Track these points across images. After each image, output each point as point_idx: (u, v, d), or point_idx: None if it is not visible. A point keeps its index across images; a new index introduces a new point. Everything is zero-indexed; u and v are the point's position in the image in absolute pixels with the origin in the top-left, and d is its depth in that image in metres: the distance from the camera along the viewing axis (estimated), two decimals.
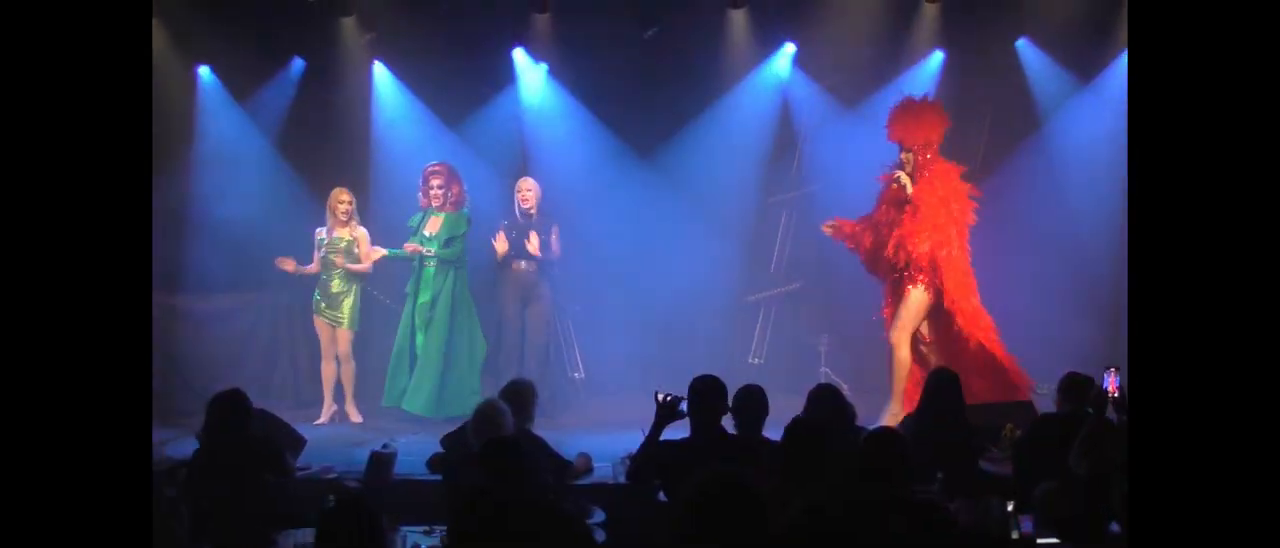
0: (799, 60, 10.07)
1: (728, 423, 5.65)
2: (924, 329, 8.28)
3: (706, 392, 5.54)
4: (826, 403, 5.74)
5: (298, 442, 6.85)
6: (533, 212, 9.07)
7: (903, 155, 8.07)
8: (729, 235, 10.12)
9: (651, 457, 5.50)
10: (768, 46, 10.02)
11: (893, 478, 4.13)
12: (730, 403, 5.64)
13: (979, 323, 8.09)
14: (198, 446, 5.79)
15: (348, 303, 9.07)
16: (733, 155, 10.11)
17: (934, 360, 8.07)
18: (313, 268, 9.07)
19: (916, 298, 8.04)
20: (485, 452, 4.63)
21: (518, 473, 4.46)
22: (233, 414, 5.70)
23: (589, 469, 6.70)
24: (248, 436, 5.75)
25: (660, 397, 5.57)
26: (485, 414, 5.81)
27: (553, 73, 10.12)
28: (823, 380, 7.71)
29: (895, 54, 10.00)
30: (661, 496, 5.49)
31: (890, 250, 8.03)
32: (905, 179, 7.97)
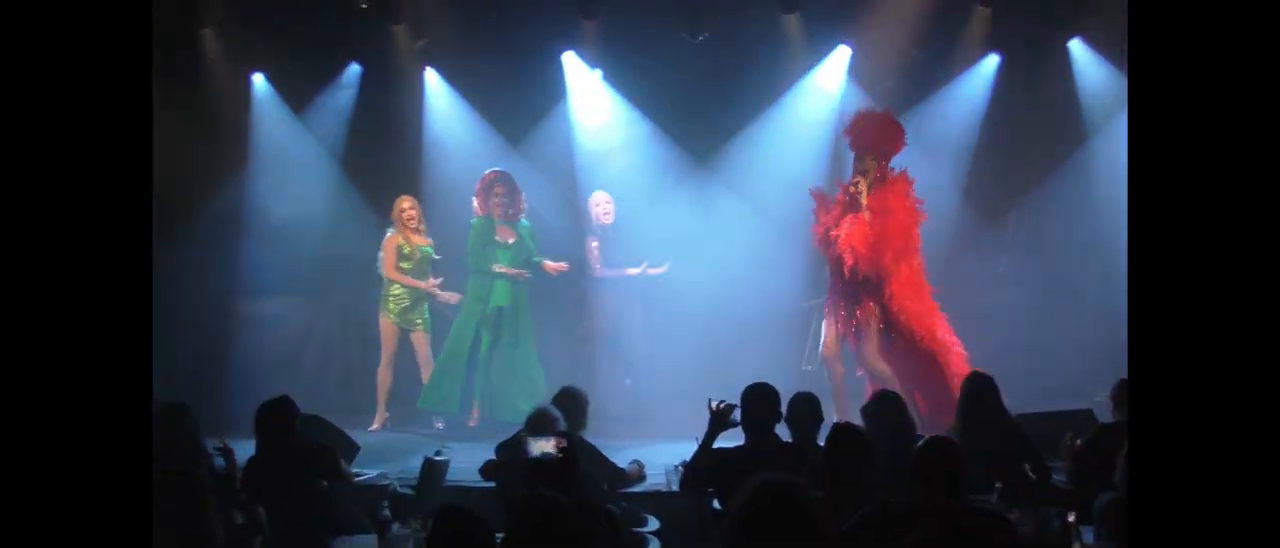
0: (852, 64, 10.03)
1: (782, 431, 5.66)
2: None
3: (759, 400, 5.56)
4: (886, 411, 5.73)
5: (351, 448, 6.93)
6: (611, 224, 9.22)
7: (868, 162, 8.04)
8: (784, 241, 10.08)
9: (705, 465, 5.53)
10: (821, 49, 9.99)
11: (950, 487, 4.13)
12: (784, 411, 5.66)
13: (934, 338, 8.05)
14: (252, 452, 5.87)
15: (423, 307, 9.19)
16: (787, 159, 10.09)
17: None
18: (422, 284, 9.16)
19: (872, 317, 8.03)
20: (546, 468, 4.67)
21: (572, 480, 4.50)
22: (281, 421, 5.77)
23: (642, 477, 6.72)
24: (296, 442, 5.81)
25: (713, 404, 5.60)
26: (539, 421, 5.86)
27: (605, 78, 10.16)
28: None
29: (948, 57, 9.96)
30: (715, 504, 5.51)
31: (842, 251, 7.98)
32: (863, 186, 7.96)
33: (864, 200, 7.90)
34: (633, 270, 9.26)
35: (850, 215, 7.97)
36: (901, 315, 7.98)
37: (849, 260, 7.93)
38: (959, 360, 7.96)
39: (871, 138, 8.08)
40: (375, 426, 9.15)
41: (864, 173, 8.01)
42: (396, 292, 9.13)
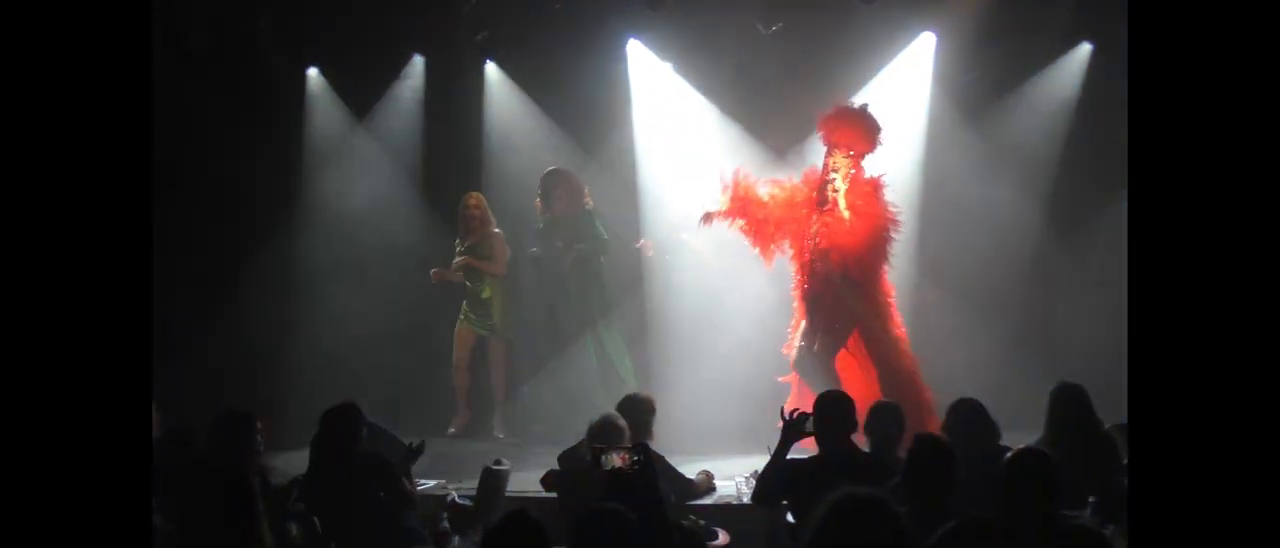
0: (937, 53, 9.83)
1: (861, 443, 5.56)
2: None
3: (834, 408, 5.48)
4: (969, 419, 5.61)
5: (410, 457, 6.92)
6: None
7: (839, 159, 7.92)
8: None
9: (779, 476, 5.44)
10: (903, 38, 9.81)
11: (1041, 501, 4.01)
12: (861, 420, 5.56)
13: (903, 340, 8.03)
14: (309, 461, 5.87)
15: (496, 310, 9.16)
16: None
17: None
18: (453, 276, 9.21)
19: (844, 320, 7.99)
20: (623, 481, 4.62)
21: (649, 494, 4.45)
22: (345, 429, 5.75)
23: (712, 488, 6.67)
24: (360, 450, 5.80)
25: (787, 413, 5.51)
26: (602, 430, 5.80)
27: (674, 70, 10.07)
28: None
29: (1039, 45, 9.74)
30: (789, 517, 5.43)
31: (827, 251, 7.88)
32: (841, 185, 7.84)
33: (844, 201, 7.78)
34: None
35: (827, 215, 7.85)
36: (884, 319, 7.92)
37: (836, 260, 7.82)
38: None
39: (846, 134, 7.98)
40: (452, 429, 9.17)
41: (836, 170, 7.89)
42: (476, 296, 9.12)
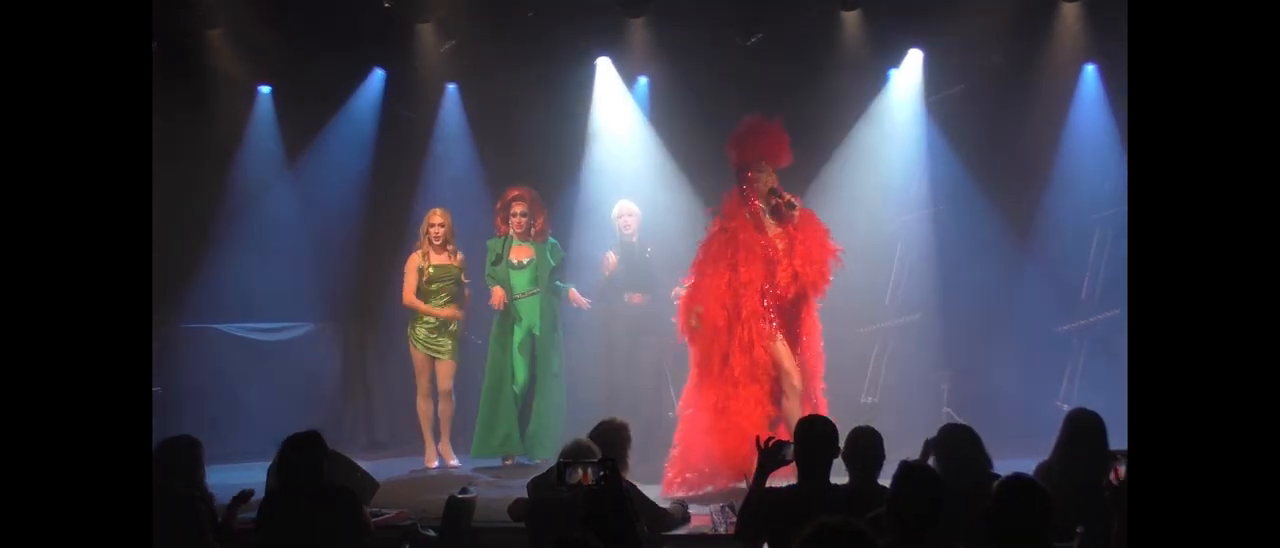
0: (925, 69, 9.92)
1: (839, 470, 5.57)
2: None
3: (813, 435, 5.47)
4: (959, 446, 5.62)
5: (369, 486, 6.91)
6: (634, 239, 9.14)
7: (767, 172, 7.98)
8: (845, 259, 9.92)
9: (758, 507, 5.44)
10: (887, 52, 9.90)
11: (1033, 535, 4.02)
12: (841, 447, 5.57)
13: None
14: (267, 489, 5.85)
15: (452, 332, 9.14)
16: (850, 173, 9.99)
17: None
18: (441, 311, 9.08)
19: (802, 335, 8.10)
20: (591, 499, 4.63)
21: (615, 519, 4.45)
22: (308, 458, 5.73)
23: (686, 518, 6.67)
24: (323, 481, 5.78)
25: (763, 441, 5.51)
26: (574, 454, 5.79)
27: (648, 86, 10.13)
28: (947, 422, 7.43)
29: (1035, 64, 9.81)
30: None
31: (799, 268, 7.92)
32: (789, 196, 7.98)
33: (797, 211, 7.94)
34: (637, 298, 9.19)
35: (786, 229, 7.94)
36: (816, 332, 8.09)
37: (807, 276, 7.90)
38: None
39: (771, 147, 8.04)
40: (431, 463, 9.13)
41: (772, 183, 7.98)
42: (421, 317, 9.07)
